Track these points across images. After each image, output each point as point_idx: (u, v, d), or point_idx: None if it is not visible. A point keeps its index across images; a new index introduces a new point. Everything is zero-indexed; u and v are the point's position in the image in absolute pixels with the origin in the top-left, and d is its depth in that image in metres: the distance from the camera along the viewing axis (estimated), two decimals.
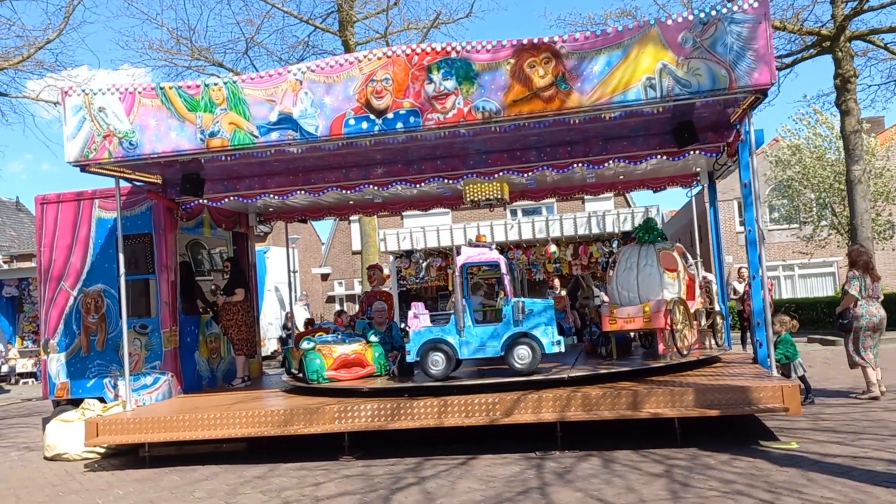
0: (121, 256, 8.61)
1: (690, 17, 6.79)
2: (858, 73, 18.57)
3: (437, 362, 8.08)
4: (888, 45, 19.03)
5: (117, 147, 7.82)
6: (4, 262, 32.53)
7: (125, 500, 6.47)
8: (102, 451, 8.46)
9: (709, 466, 6.15)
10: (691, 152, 8.55)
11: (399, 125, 7.30)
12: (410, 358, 8.16)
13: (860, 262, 9.27)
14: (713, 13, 6.73)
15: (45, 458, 8.67)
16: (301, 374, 9.15)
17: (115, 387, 9.38)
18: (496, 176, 9.14)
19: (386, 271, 14.70)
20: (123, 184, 9.08)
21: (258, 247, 15.35)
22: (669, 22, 6.82)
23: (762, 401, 6.78)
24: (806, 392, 8.80)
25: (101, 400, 9.31)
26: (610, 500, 5.42)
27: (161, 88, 7.73)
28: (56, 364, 9.84)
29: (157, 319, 9.66)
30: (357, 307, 15.53)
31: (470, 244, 8.93)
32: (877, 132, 25.60)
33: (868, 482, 5.35)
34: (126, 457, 8.37)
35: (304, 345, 9.08)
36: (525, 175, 9.25)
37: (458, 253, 8.52)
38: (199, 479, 7.09)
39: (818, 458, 6.17)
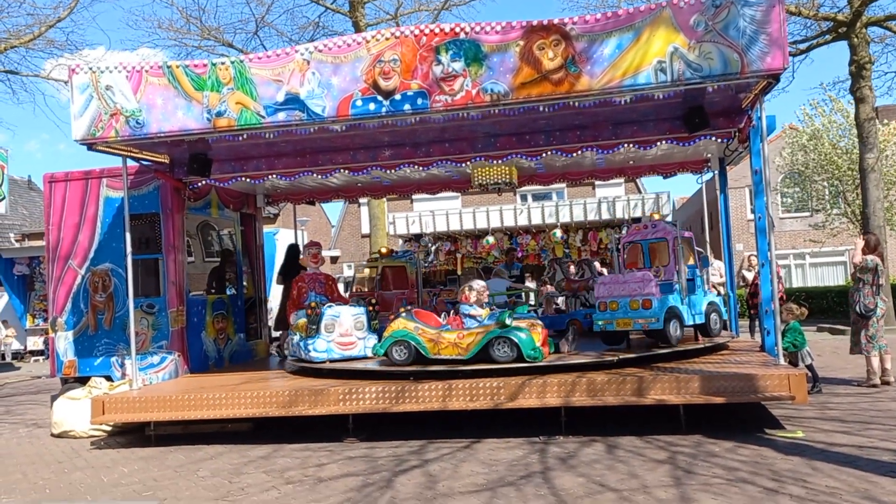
0: (128, 236, 8.62)
1: (703, 0, 6.68)
2: (874, 60, 18.30)
3: (676, 328, 8.29)
4: None
5: (124, 126, 7.80)
6: (17, 241, 32.72)
7: (130, 478, 6.51)
8: (109, 429, 8.52)
9: (713, 454, 6.12)
10: (702, 138, 8.47)
11: (407, 107, 7.25)
12: (657, 325, 8.08)
13: (879, 251, 9.24)
14: None
15: (53, 434, 8.74)
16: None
17: (121, 365, 9.42)
18: (505, 159, 9.08)
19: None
20: (131, 163, 9.07)
21: (267, 228, 15.37)
22: (682, 4, 6.70)
23: (768, 389, 6.74)
24: (813, 381, 8.75)
25: (108, 378, 9.37)
26: (612, 485, 5.41)
27: (168, 67, 7.69)
28: (64, 342, 9.90)
29: (165, 299, 9.69)
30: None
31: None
32: (890, 119, 25.26)
33: (874, 472, 5.32)
34: (132, 435, 8.43)
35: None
36: (534, 159, 9.18)
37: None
38: (204, 459, 7.12)
39: (824, 448, 6.13)
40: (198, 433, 8.03)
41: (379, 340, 8.63)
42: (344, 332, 8.91)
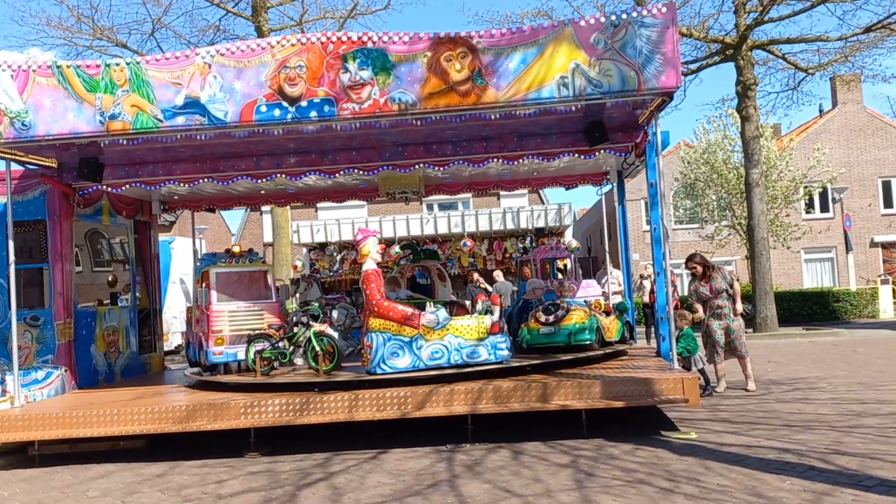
0: (10, 244, 8.11)
1: (603, 20, 6.94)
2: (759, 81, 19.49)
3: None
4: (786, 56, 20.06)
5: (8, 127, 7.37)
6: None
7: (11, 501, 6.09)
8: None
9: (613, 456, 6.31)
10: (601, 151, 8.77)
11: (313, 114, 7.17)
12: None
13: (709, 264, 9.66)
14: (624, 16, 6.91)
15: None
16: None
17: (2, 382, 8.81)
18: (412, 169, 9.11)
19: None
20: (15, 167, 8.55)
21: (163, 237, 14.79)
22: (583, 23, 6.95)
23: (664, 392, 7.02)
24: (705, 384, 9.17)
25: None
26: (517, 490, 5.48)
27: (58, 67, 7.31)
28: None
29: (51, 311, 9.17)
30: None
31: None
32: (775, 138, 26.93)
33: (760, 469, 5.61)
34: (13, 456, 7.88)
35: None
36: (441, 169, 9.25)
37: None
38: (94, 478, 6.75)
39: (715, 448, 6.42)
40: (87, 452, 7.61)
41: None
42: None
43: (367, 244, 8.19)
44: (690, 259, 9.74)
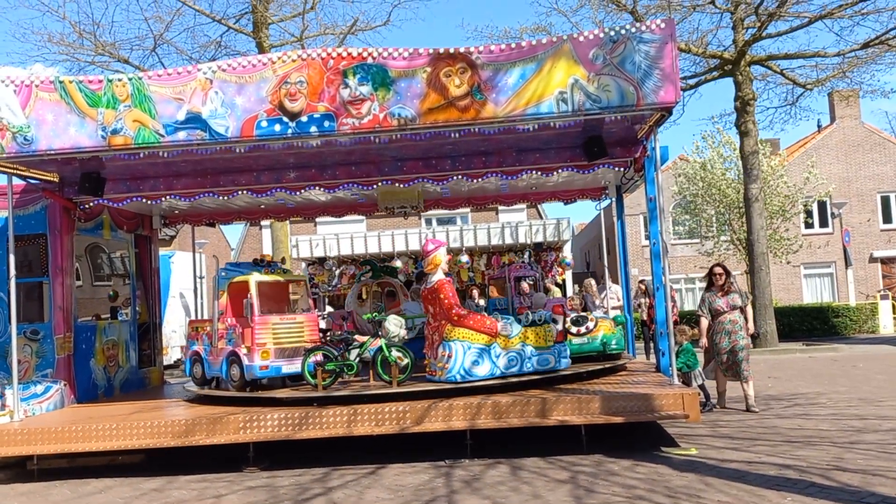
0: (11, 258, 8.12)
1: (601, 35, 6.99)
2: (757, 96, 19.59)
3: None
4: (784, 71, 20.17)
5: (11, 142, 7.41)
6: None
7: None
8: None
9: (612, 472, 6.29)
10: (600, 166, 8.79)
11: (313, 129, 7.20)
12: None
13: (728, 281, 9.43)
14: (623, 32, 6.95)
15: None
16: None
17: (2, 396, 8.79)
18: (411, 184, 9.13)
19: None
20: (17, 181, 8.59)
21: (163, 251, 14.81)
22: (581, 38, 7.00)
23: (664, 408, 7.00)
24: (705, 400, 9.15)
25: None
26: None
27: (60, 82, 7.35)
28: None
29: (51, 325, 9.16)
30: None
31: None
32: (773, 154, 27.01)
33: (761, 486, 5.59)
34: (12, 470, 7.85)
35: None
36: (440, 184, 9.28)
37: None
38: (92, 493, 6.73)
39: (716, 464, 6.40)
40: (86, 466, 7.59)
41: None
42: None
43: (438, 254, 8.25)
44: (716, 266, 9.54)
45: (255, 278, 8.64)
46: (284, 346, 8.57)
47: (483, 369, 7.91)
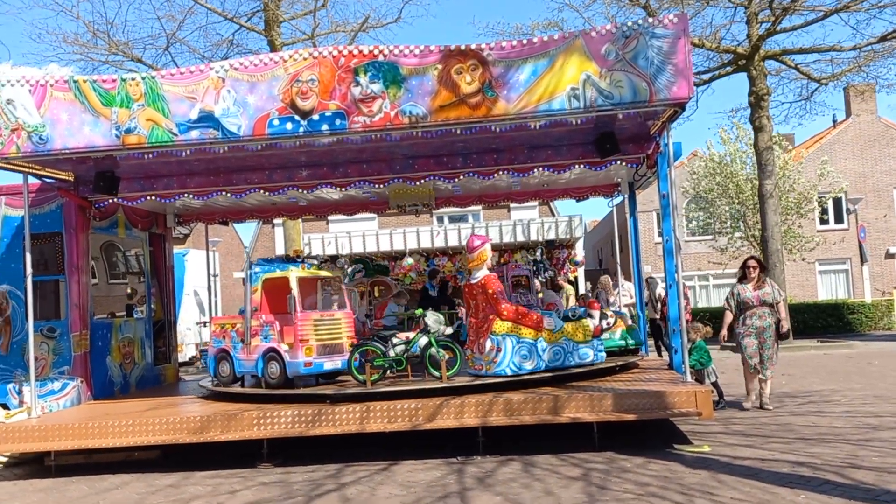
0: (28, 256, 8.20)
1: (614, 30, 6.96)
2: (771, 91, 19.43)
3: None
4: (798, 66, 19.99)
5: (26, 141, 7.47)
6: None
7: None
8: (5, 460, 8.04)
9: (625, 469, 6.28)
10: (613, 163, 8.76)
11: (325, 127, 7.22)
12: None
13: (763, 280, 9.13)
14: (635, 27, 6.92)
15: None
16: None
17: (19, 393, 8.90)
18: (422, 181, 9.14)
19: None
20: (32, 180, 8.67)
21: (177, 249, 14.91)
22: (593, 34, 6.97)
23: (677, 405, 6.98)
24: (718, 397, 9.11)
25: (5, 406, 8.83)
26: (528, 503, 5.46)
27: (74, 82, 7.42)
28: None
29: (67, 322, 9.25)
30: None
31: None
32: (787, 150, 26.80)
33: (775, 483, 5.57)
34: (30, 466, 7.96)
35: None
36: (451, 181, 9.28)
37: None
38: (108, 489, 6.79)
39: (729, 461, 6.38)
40: (102, 462, 7.67)
41: None
42: None
43: (485, 249, 8.32)
44: (750, 258, 9.30)
45: (295, 273, 8.53)
46: (325, 342, 8.50)
47: (530, 363, 8.04)
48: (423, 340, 8.36)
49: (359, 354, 8.35)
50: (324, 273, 9.17)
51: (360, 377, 8.18)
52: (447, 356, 8.16)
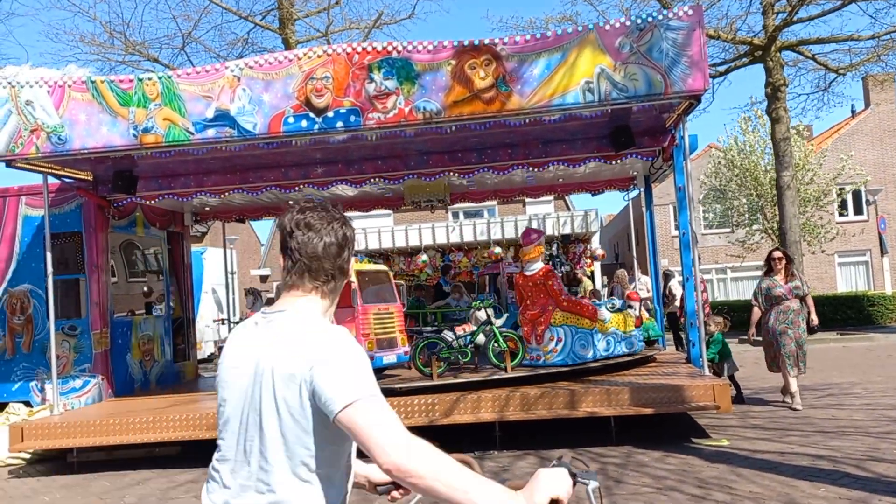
0: (48, 255, 8.31)
1: (628, 23, 6.92)
2: (788, 82, 19.22)
3: None
4: (815, 56, 19.76)
5: (45, 142, 7.56)
6: None
7: None
8: (28, 456, 8.14)
9: (642, 463, 6.27)
10: (628, 156, 8.74)
11: (339, 124, 7.24)
12: None
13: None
14: (650, 20, 6.87)
15: None
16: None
17: (41, 390, 9.04)
18: (437, 177, 9.15)
19: None
20: (52, 180, 8.77)
21: (195, 247, 15.02)
22: (607, 27, 6.94)
23: (695, 399, 6.96)
24: (736, 391, 9.05)
25: (28, 404, 8.97)
26: None
27: (92, 82, 7.49)
28: None
29: (88, 321, 9.36)
30: None
31: None
32: (806, 140, 26.53)
33: (794, 476, 5.54)
34: (53, 462, 8.07)
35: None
36: (466, 177, 9.29)
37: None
38: (130, 484, 6.88)
39: (747, 455, 6.35)
40: (123, 459, 7.77)
41: None
42: None
43: (541, 242, 8.56)
44: (775, 250, 8.82)
45: (354, 267, 8.37)
46: (381, 336, 8.45)
47: (588, 352, 8.27)
48: (486, 332, 8.53)
49: (425, 347, 8.42)
50: (376, 267, 9.24)
51: (426, 370, 8.22)
52: (510, 347, 8.29)
